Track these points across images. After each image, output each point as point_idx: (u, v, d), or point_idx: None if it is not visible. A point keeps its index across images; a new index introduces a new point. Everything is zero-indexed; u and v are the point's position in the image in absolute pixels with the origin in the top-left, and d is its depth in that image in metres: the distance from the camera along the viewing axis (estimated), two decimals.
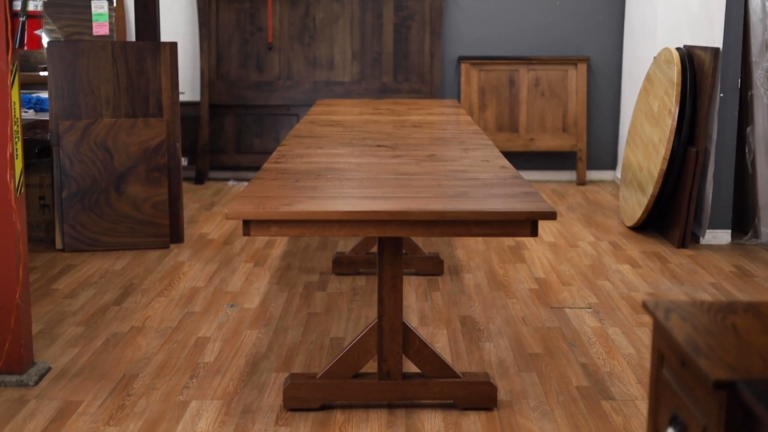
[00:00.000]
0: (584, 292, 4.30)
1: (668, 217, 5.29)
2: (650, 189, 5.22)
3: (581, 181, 7.05)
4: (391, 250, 2.94)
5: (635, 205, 5.47)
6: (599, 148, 7.19)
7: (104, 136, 4.94)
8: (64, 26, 6.90)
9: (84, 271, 4.57)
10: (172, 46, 5.10)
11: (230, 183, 6.98)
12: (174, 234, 5.11)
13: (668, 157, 5.11)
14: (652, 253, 4.98)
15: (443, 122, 4.80)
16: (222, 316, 3.93)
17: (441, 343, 3.62)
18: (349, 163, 3.42)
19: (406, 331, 3.01)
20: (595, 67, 7.09)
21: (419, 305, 4.09)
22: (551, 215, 2.70)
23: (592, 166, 7.19)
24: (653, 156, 5.27)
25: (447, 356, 3.47)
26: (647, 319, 3.90)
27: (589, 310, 4.04)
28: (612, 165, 7.20)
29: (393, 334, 2.98)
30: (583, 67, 6.99)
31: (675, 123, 5.10)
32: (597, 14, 7.05)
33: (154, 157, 5.00)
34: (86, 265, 4.68)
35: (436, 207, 2.71)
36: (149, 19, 5.25)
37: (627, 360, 3.46)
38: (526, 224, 2.71)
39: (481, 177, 3.18)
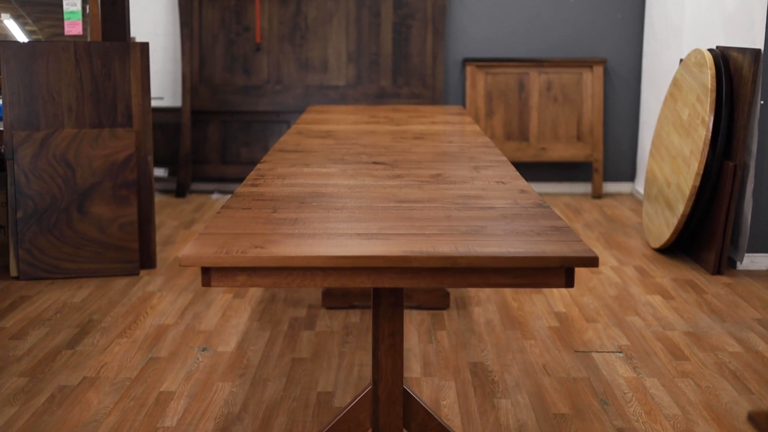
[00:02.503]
0: (612, 330, 3.73)
1: (701, 239, 4.72)
2: (680, 207, 4.65)
3: (597, 194, 6.47)
4: (389, 301, 2.37)
5: (662, 224, 4.90)
6: (617, 159, 6.61)
7: (65, 149, 4.37)
8: (45, 27, 6.36)
9: (39, 304, 4.00)
10: (143, 47, 4.52)
11: (214, 196, 6.41)
12: (144, 259, 4.54)
13: (702, 172, 4.54)
14: (685, 281, 4.41)
15: (448, 133, 4.23)
16: (191, 363, 3.35)
17: (449, 400, 3.04)
18: (339, 185, 2.85)
19: (408, 399, 2.44)
20: (613, 70, 6.52)
21: (422, 348, 3.51)
22: (592, 261, 2.12)
23: (608, 177, 6.62)
24: (683, 170, 4.70)
25: (456, 419, 2.90)
26: (690, 368, 3.33)
27: (621, 354, 3.46)
28: (630, 177, 6.62)
29: (391, 404, 2.41)
30: (599, 70, 6.42)
31: (709, 134, 4.53)
32: (615, 12, 6.48)
33: (122, 173, 4.43)
34: (42, 296, 4.10)
35: (446, 250, 2.14)
36: (117, 16, 4.68)
37: (672, 424, 2.88)
38: (559, 272, 2.14)
39: (497, 205, 2.61)
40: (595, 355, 3.46)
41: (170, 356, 3.42)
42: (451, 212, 2.51)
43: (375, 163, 3.25)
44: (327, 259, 2.10)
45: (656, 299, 4.14)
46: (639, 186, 6.43)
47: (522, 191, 2.81)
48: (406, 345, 3.53)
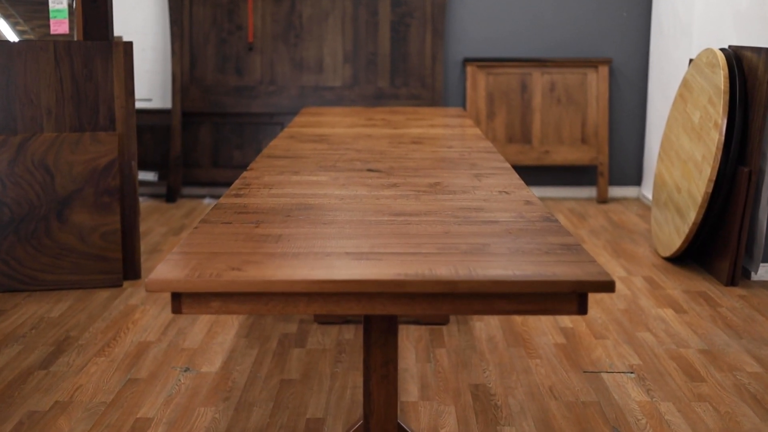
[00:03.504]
0: (622, 348, 3.50)
1: (713, 248, 4.49)
2: (692, 215, 4.42)
3: (602, 199, 6.25)
4: (382, 327, 2.15)
5: (672, 232, 4.68)
6: (623, 162, 6.39)
7: (44, 154, 4.15)
8: (37, 26, 6.14)
9: (14, 318, 3.78)
10: (127, 47, 4.30)
11: (206, 201, 6.18)
12: (128, 270, 4.31)
13: (714, 178, 4.32)
14: (697, 293, 4.19)
15: (448, 136, 4.01)
16: (172, 386, 3.13)
17: (448, 428, 2.82)
18: (329, 196, 2.63)
19: None
20: (618, 70, 6.30)
21: (420, 368, 3.29)
22: (607, 286, 1.90)
23: (614, 181, 6.40)
24: (695, 176, 4.48)
25: None
26: (707, 390, 3.11)
27: (632, 375, 3.24)
28: (637, 180, 6.40)
29: None
30: (604, 70, 6.20)
31: (722, 137, 4.30)
32: (620, 10, 6.25)
33: (104, 179, 4.20)
34: (19, 310, 3.88)
35: (444, 273, 1.92)
36: (99, 14, 4.46)
37: None
38: (570, 298, 1.92)
39: (501, 219, 2.39)
40: (605, 375, 3.23)
41: (150, 377, 3.20)
42: (450, 227, 2.28)
43: (369, 170, 3.03)
44: (311, 284, 1.88)
45: (668, 313, 3.91)
46: (646, 190, 6.21)
47: (527, 202, 2.59)
48: (402, 365, 3.31)
